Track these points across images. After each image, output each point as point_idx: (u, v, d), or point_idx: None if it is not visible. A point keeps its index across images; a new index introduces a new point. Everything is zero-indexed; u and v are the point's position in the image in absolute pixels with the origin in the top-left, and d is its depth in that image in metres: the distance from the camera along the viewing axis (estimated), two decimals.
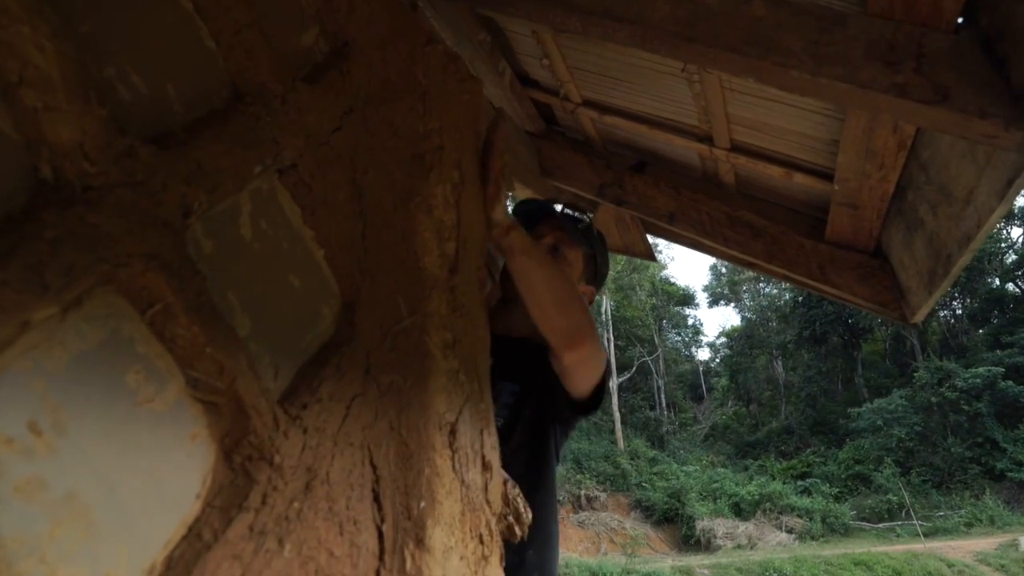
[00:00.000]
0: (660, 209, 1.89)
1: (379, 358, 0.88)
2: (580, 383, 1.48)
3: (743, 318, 41.83)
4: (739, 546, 20.87)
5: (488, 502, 1.00)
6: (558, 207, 1.64)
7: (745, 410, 36.94)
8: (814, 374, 33.76)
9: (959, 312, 31.95)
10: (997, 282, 29.80)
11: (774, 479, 25.57)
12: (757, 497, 23.43)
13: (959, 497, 22.47)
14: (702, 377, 43.45)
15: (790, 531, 21.94)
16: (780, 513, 22.85)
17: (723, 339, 45.43)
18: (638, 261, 30.14)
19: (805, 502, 22.99)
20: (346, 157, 0.91)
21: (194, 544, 0.58)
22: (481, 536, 0.96)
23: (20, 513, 0.46)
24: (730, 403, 38.53)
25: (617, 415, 30.67)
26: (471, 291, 1.10)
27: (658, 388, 36.45)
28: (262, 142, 0.75)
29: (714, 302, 44.10)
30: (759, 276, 40.06)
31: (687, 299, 43.28)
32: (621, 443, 29.41)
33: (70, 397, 0.51)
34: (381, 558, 0.79)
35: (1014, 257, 29.17)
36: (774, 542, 21.14)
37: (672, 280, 41.89)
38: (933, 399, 25.09)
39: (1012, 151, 0.94)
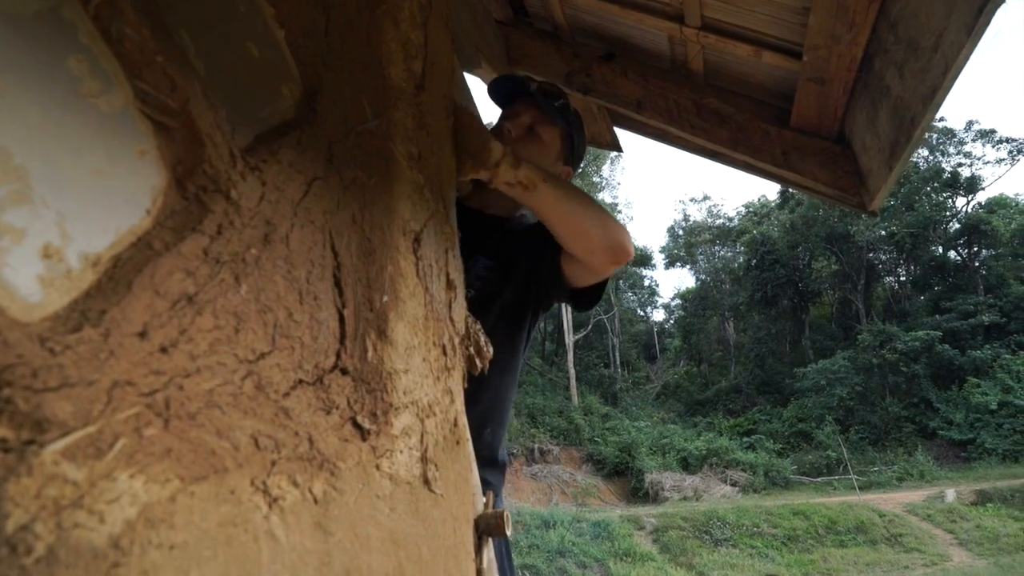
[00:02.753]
0: (627, 97, 1.86)
1: (342, 151, 0.85)
2: (590, 279, 1.46)
3: (697, 279, 42.59)
4: (685, 498, 21.61)
5: (452, 320, 0.99)
6: (532, 86, 1.59)
7: (696, 370, 37.88)
8: (763, 335, 34.72)
9: (903, 278, 33.09)
10: (940, 250, 30.88)
11: (721, 435, 26.43)
12: (704, 452, 24.21)
13: (893, 454, 23.58)
14: (656, 338, 44.25)
15: (734, 484, 22.79)
16: (725, 467, 23.68)
17: (678, 300, 46.27)
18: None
19: (749, 457, 23.86)
20: None
21: (144, 251, 0.55)
22: (444, 347, 0.94)
23: None
24: (682, 363, 39.46)
25: (572, 372, 31.14)
26: (438, 115, 1.06)
27: (613, 347, 37.04)
28: None
29: (670, 263, 44.71)
30: (715, 239, 40.70)
31: (644, 260, 43.76)
32: (575, 399, 29.93)
33: None
34: (342, 342, 0.77)
35: (957, 226, 30.19)
36: (719, 494, 21.94)
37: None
38: (874, 361, 26.10)
39: None
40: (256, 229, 0.66)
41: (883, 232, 30.22)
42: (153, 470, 0.47)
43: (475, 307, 1.42)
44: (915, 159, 31.38)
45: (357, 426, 0.74)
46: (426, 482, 0.83)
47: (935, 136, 31.24)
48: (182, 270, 0.56)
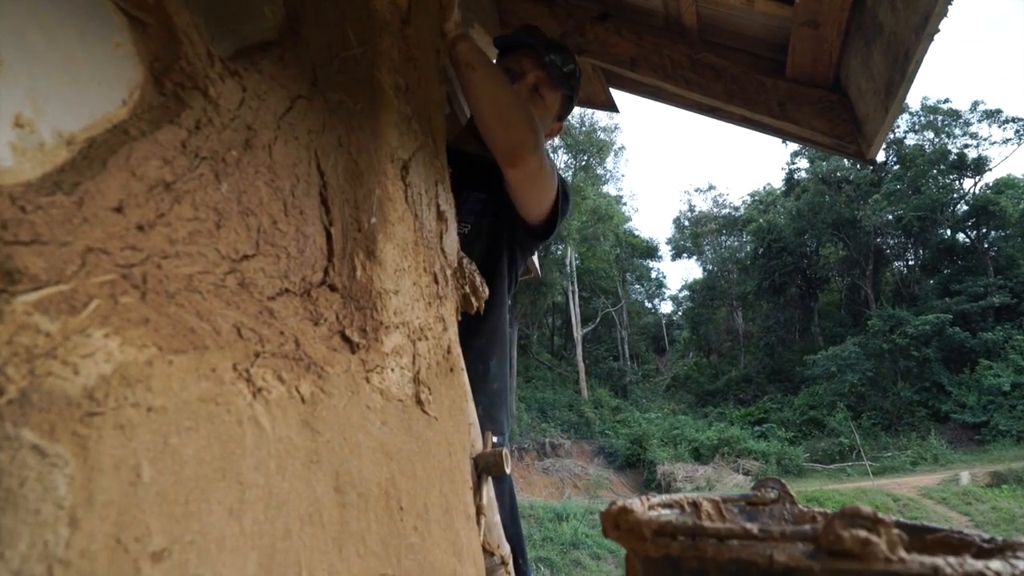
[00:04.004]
0: (622, 55, 1.85)
1: (326, 75, 0.85)
2: (529, 206, 1.45)
3: (705, 270, 42.43)
4: (698, 488, 21.56)
5: (443, 251, 0.98)
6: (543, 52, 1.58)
7: (706, 360, 37.75)
8: (772, 324, 34.56)
9: (911, 263, 32.87)
10: (948, 233, 30.65)
11: (732, 425, 26.34)
12: (716, 442, 24.14)
13: (906, 438, 23.43)
14: (664, 329, 44.15)
15: (747, 473, 22.71)
16: (737, 457, 23.60)
17: (685, 292, 46.12)
18: (603, 211, 30.20)
19: (761, 446, 23.77)
20: None
21: (119, 136, 0.54)
22: (436, 276, 0.94)
23: None
24: (691, 354, 39.32)
25: (582, 366, 31.10)
26: (425, 50, 1.06)
27: (621, 339, 36.97)
28: None
29: (677, 255, 44.55)
30: (721, 228, 40.54)
31: (650, 252, 43.65)
32: (585, 393, 29.91)
33: None
34: (330, 259, 0.77)
35: (965, 208, 29.96)
36: (731, 484, 21.87)
37: (636, 232, 42.09)
38: (885, 346, 25.94)
39: None
40: (237, 132, 0.66)
41: (890, 216, 30.00)
42: (129, 334, 0.46)
43: (471, 239, 1.44)
44: (921, 141, 31.17)
45: (346, 339, 0.74)
46: (419, 402, 0.83)
47: (940, 118, 31.01)
48: (159, 157, 0.56)
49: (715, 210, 42.89)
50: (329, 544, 0.62)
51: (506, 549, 1.10)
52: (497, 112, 1.30)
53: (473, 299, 1.04)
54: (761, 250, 34.34)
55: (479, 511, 1.03)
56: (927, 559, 0.48)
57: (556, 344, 37.01)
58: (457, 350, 0.96)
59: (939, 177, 30.26)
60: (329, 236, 0.78)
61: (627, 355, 36.91)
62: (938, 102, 31.43)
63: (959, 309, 26.54)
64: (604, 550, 15.19)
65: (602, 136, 32.64)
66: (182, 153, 0.58)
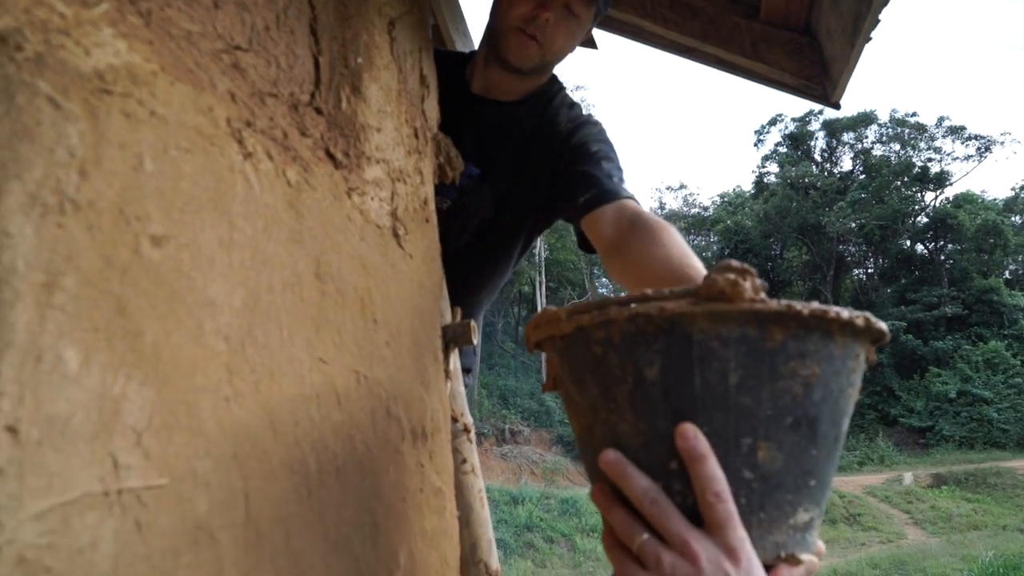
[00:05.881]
0: None
1: None
2: None
3: None
4: None
5: (424, 112, 1.01)
6: None
7: None
8: None
9: (871, 270, 33.75)
10: (908, 243, 31.52)
11: None
12: None
13: (855, 439, 24.10)
14: None
15: None
16: None
17: None
18: None
19: None
20: None
21: None
22: (416, 131, 0.97)
23: None
24: None
25: (544, 355, 31.25)
26: None
27: None
28: None
29: None
30: (690, 227, 41.03)
31: None
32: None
33: None
34: (317, 86, 0.80)
35: (925, 220, 30.83)
36: None
37: None
38: None
39: None
40: None
41: (853, 224, 30.74)
42: (136, 44, 0.49)
43: (445, 216, 1.22)
44: (887, 153, 31.94)
45: (330, 156, 0.77)
46: (396, 235, 0.87)
47: (907, 131, 31.82)
48: None
49: (685, 209, 43.45)
50: (308, 322, 0.65)
51: (469, 419, 1.14)
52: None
53: (448, 169, 1.08)
54: (728, 251, 34.86)
55: (446, 375, 1.06)
56: (783, 301, 0.56)
57: (520, 334, 37.16)
58: (432, 206, 1.00)
59: (902, 188, 31.09)
60: (317, 64, 0.80)
61: None
62: (906, 115, 32.25)
63: (913, 317, 27.35)
64: (557, 533, 15.38)
65: None
66: None
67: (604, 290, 44.72)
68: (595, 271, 41.63)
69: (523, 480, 21.98)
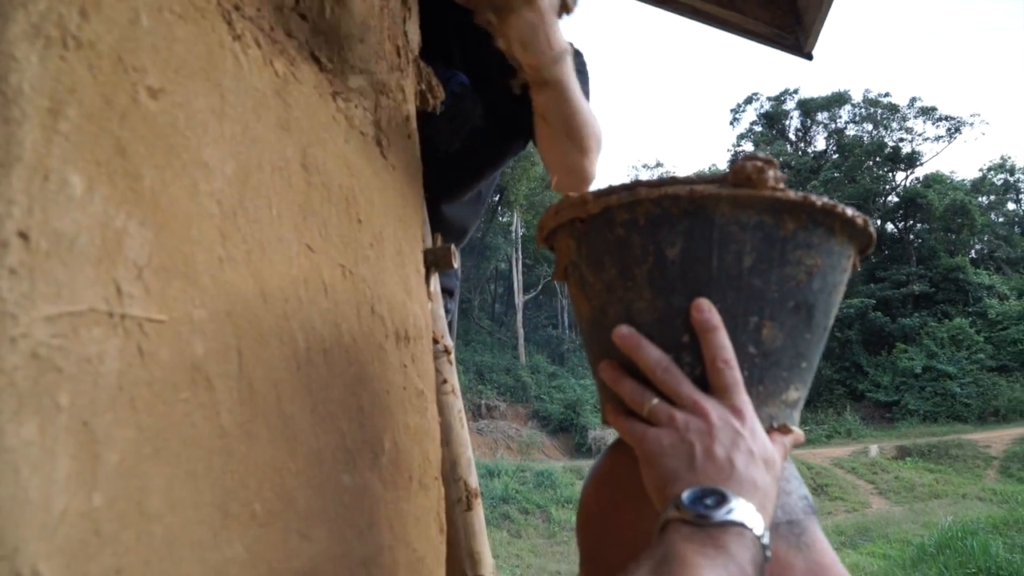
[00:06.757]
0: None
1: None
2: None
3: None
4: None
5: (406, 33, 1.03)
6: None
7: None
8: None
9: None
10: (879, 222, 32.06)
11: None
12: None
13: (824, 414, 24.69)
14: None
15: None
16: None
17: None
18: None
19: None
20: None
21: None
22: (399, 49, 0.98)
23: None
24: None
25: (521, 332, 31.45)
26: None
27: (562, 308, 37.45)
28: None
29: None
30: None
31: None
32: (523, 358, 30.29)
33: None
34: None
35: (896, 200, 31.37)
36: None
37: None
38: None
39: None
40: None
41: None
42: None
43: (442, 122, 1.23)
44: (860, 133, 32.33)
45: (315, 58, 0.79)
46: (379, 144, 0.88)
47: (880, 111, 32.20)
48: None
49: None
50: (295, 208, 0.67)
51: (450, 342, 1.17)
52: (580, 138, 1.13)
53: (429, 96, 1.09)
54: None
55: (428, 297, 1.09)
56: (801, 192, 0.60)
57: (497, 311, 37.26)
58: (414, 124, 1.02)
59: (874, 168, 31.54)
60: None
61: (566, 324, 37.46)
62: (879, 95, 32.63)
63: (882, 295, 27.94)
64: (532, 505, 15.58)
65: None
66: None
67: None
68: None
69: (499, 454, 22.19)
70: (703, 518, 0.49)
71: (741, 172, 0.59)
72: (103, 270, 0.42)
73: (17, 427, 0.35)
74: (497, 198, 31.08)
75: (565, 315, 37.29)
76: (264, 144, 0.63)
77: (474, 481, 1.16)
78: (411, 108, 1.00)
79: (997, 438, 18.56)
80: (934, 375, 23.98)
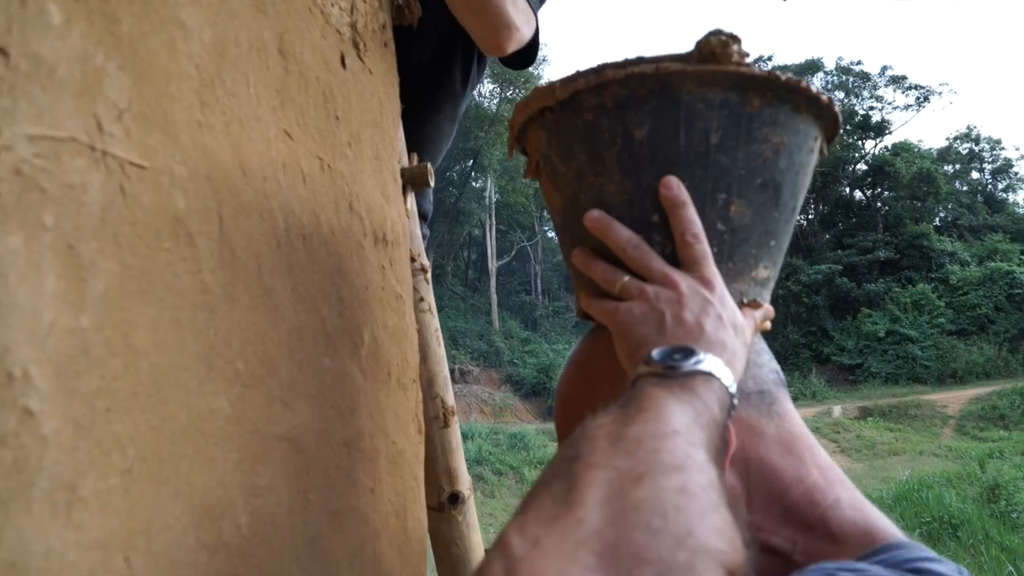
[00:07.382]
0: None
1: None
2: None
3: None
4: None
5: None
6: None
7: None
8: None
9: (811, 216, 34.77)
10: (847, 190, 32.52)
11: None
12: None
13: (790, 376, 25.26)
14: None
15: None
16: None
17: None
18: None
19: None
20: None
21: None
22: None
23: None
24: None
25: (494, 297, 31.55)
26: None
27: (535, 275, 37.57)
28: None
29: None
30: None
31: None
32: (496, 323, 30.44)
33: None
34: None
35: (864, 167, 31.78)
36: None
37: None
38: (780, 292, 27.60)
39: None
40: None
41: None
42: None
43: (411, 31, 1.19)
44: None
45: None
46: (356, 47, 0.88)
47: (852, 79, 32.41)
48: None
49: None
50: (273, 92, 0.67)
51: (426, 261, 1.18)
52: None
53: (407, 12, 1.08)
54: None
55: (405, 214, 1.09)
56: (765, 69, 0.62)
57: (471, 276, 37.25)
58: (391, 34, 1.01)
59: (844, 136, 31.83)
60: None
61: (540, 290, 37.62)
62: (851, 63, 32.81)
63: (849, 261, 28.48)
64: (505, 466, 15.80)
65: (531, 69, 32.26)
66: None
67: (552, 235, 44.95)
68: (544, 214, 41.70)
69: (473, 417, 22.38)
70: (672, 369, 0.51)
71: (706, 47, 0.60)
72: (84, 103, 0.42)
73: (4, 236, 0.35)
74: (471, 163, 30.83)
75: (538, 281, 37.44)
76: (241, 21, 0.62)
77: (451, 398, 1.17)
78: (387, 18, 0.99)
79: (954, 398, 19.23)
80: (897, 339, 24.66)
